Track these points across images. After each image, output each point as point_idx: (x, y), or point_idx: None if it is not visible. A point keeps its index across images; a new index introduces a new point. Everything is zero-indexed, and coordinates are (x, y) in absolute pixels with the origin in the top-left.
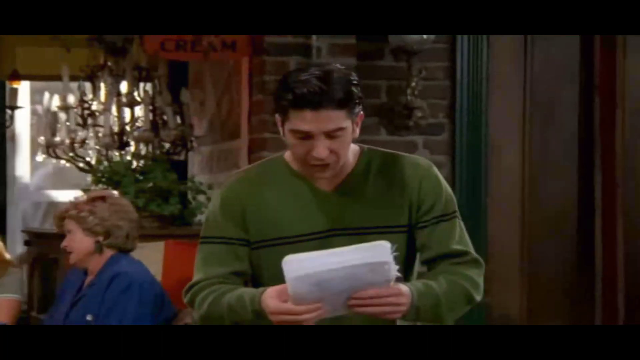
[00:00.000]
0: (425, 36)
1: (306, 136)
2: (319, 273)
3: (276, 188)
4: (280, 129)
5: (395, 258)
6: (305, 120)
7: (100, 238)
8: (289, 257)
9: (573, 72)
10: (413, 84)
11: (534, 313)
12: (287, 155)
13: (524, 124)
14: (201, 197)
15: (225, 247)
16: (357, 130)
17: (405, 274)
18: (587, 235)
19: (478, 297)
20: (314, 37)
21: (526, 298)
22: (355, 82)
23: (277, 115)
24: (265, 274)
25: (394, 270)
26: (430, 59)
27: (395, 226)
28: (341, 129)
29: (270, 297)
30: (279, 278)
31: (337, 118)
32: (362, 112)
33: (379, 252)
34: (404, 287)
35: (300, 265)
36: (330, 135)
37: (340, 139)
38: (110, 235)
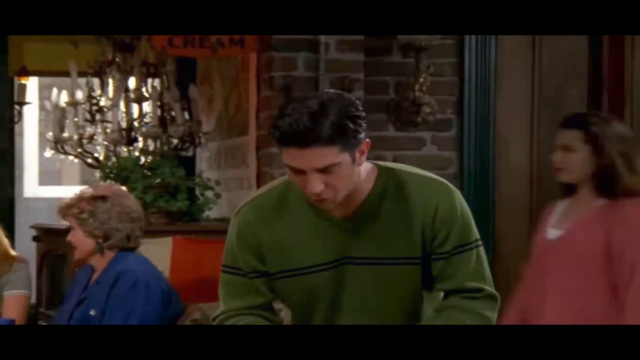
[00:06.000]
0: None
1: (299, 171)
2: None
3: (289, 217)
4: None
5: None
6: (294, 157)
7: (100, 240)
8: None
9: (581, 68)
10: (421, 80)
11: None
12: None
13: (532, 119)
14: (209, 193)
15: (243, 280)
16: (363, 158)
17: (422, 302)
18: None
19: None
20: None
21: None
22: (353, 114)
23: None
24: (287, 300)
25: None
26: (438, 55)
27: (409, 258)
28: (334, 164)
29: None
30: (300, 304)
31: (328, 154)
32: (367, 140)
33: None
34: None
35: None
36: (323, 170)
37: (335, 173)
38: (110, 238)
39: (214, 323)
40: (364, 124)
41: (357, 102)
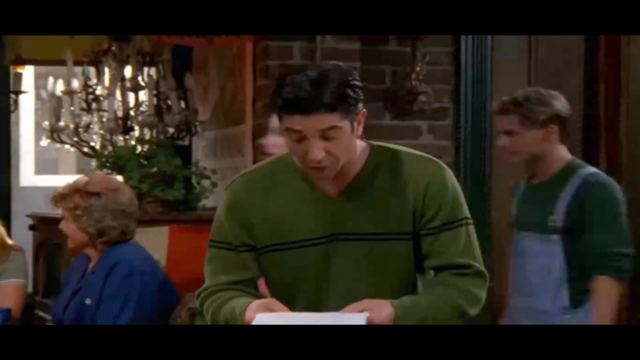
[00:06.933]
0: None
1: (301, 137)
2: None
3: (282, 192)
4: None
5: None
6: (296, 122)
7: (94, 237)
8: (259, 318)
9: (577, 58)
10: (417, 68)
11: None
12: None
13: None
14: (205, 182)
15: (231, 254)
16: (360, 129)
17: (416, 281)
18: None
19: (473, 311)
20: None
21: None
22: (352, 82)
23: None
24: (272, 276)
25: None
26: (435, 44)
27: (400, 233)
28: (335, 127)
29: (251, 310)
30: (285, 281)
31: (329, 119)
32: (364, 110)
33: (357, 322)
34: (384, 302)
35: (272, 321)
36: (324, 135)
37: (336, 139)
38: (104, 235)
39: (198, 299)
40: (362, 94)
41: (355, 72)
